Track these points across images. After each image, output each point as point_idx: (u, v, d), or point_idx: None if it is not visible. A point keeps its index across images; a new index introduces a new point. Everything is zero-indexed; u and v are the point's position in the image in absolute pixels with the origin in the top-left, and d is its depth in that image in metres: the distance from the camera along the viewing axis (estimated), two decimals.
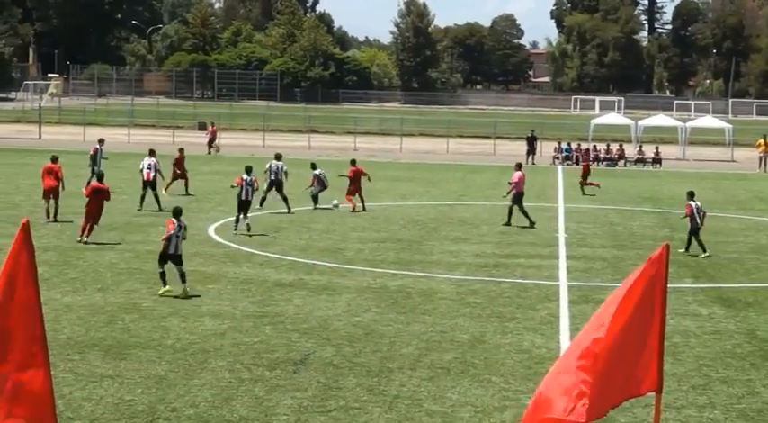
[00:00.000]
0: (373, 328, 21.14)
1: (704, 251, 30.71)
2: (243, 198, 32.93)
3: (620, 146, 69.55)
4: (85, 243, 29.81)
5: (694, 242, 30.85)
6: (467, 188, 49.28)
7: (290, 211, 37.38)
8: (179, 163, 42.62)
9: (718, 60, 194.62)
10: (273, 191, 37.83)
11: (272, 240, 31.91)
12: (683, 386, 17.65)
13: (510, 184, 36.35)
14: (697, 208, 30.87)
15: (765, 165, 65.30)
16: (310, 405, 16.13)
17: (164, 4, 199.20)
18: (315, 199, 39.01)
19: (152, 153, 38.52)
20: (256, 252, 29.70)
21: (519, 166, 37.15)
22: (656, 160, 67.35)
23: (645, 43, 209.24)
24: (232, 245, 30.81)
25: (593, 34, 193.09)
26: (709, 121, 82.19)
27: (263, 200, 37.64)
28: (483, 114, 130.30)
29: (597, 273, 28.15)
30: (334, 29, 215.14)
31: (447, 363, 18.68)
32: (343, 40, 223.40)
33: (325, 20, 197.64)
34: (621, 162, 67.51)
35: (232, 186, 34.07)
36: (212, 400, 16.20)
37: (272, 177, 37.87)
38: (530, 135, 66.89)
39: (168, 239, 23.48)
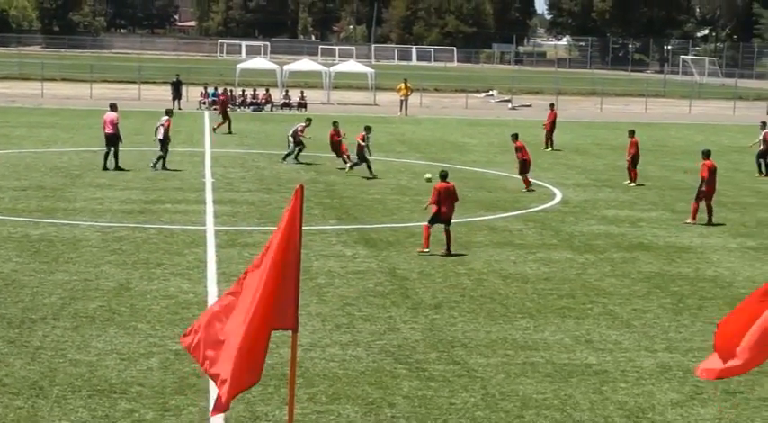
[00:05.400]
0: (14, 278, 20.50)
1: None
2: None
3: (267, 90, 70.01)
4: None
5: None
6: None
7: None
8: None
9: (361, 6, 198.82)
10: None
11: None
12: (328, 325, 18.04)
13: None
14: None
15: (406, 108, 67.41)
16: None
17: None
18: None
19: None
20: None
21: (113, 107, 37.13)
22: (302, 104, 68.23)
23: None
24: None
25: None
26: (352, 66, 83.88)
27: None
28: (127, 59, 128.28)
29: (244, 217, 28.31)
30: None
31: (92, 311, 18.35)
32: None
33: None
34: (268, 106, 68.01)
35: None
36: None
37: None
38: (175, 80, 66.22)
39: None
